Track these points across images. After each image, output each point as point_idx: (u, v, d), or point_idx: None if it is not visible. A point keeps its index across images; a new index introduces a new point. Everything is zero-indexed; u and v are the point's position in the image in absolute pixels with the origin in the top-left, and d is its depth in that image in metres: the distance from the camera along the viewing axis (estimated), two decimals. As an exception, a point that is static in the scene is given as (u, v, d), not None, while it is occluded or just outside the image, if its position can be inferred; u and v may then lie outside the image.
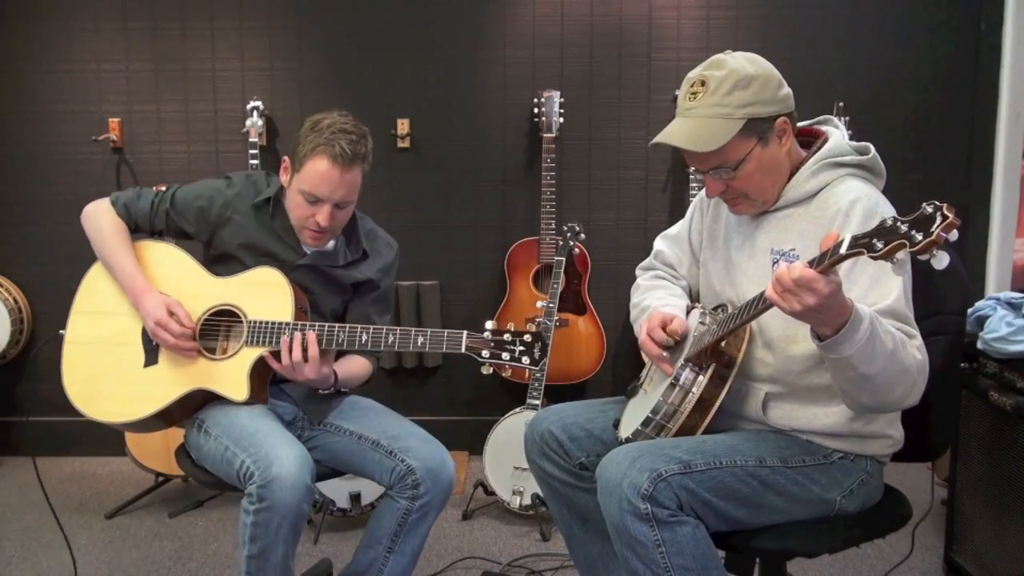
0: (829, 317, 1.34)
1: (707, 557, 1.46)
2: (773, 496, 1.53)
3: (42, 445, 2.96)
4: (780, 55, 3.26)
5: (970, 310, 2.22)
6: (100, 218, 2.00)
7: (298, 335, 1.81)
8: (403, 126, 3.33)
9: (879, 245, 1.19)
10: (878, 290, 1.47)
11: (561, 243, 2.99)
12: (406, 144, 3.34)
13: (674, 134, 1.57)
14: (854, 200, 1.52)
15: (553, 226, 3.08)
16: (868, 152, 1.62)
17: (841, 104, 3.17)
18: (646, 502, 1.42)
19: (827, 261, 1.27)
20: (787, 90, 1.60)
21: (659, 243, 1.95)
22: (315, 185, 1.84)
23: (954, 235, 1.14)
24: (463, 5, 3.30)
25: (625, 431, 1.67)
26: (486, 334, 1.77)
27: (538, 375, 2.81)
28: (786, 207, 1.63)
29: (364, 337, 1.82)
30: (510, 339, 1.77)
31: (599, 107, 3.33)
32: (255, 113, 3.09)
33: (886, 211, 1.52)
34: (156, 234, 2.03)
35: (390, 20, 3.31)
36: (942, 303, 1.68)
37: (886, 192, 1.63)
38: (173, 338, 1.86)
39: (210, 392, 1.87)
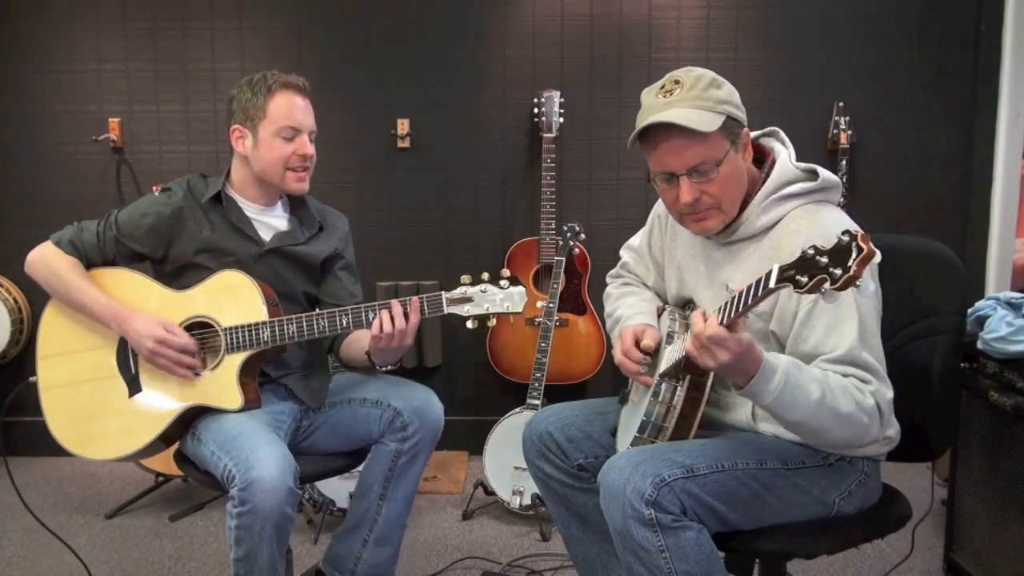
0: (743, 368, 1.38)
1: (710, 562, 1.45)
2: (773, 499, 1.53)
3: (41, 445, 2.96)
4: (780, 55, 3.30)
5: (970, 310, 2.22)
6: (50, 261, 1.93)
7: (398, 308, 1.77)
8: (403, 126, 3.33)
9: (804, 280, 1.20)
10: (834, 337, 1.46)
11: (561, 243, 2.98)
12: (406, 144, 3.34)
13: (667, 114, 1.47)
14: (806, 242, 1.50)
15: (553, 226, 3.08)
16: (816, 177, 1.57)
17: (841, 104, 3.17)
18: (650, 508, 1.42)
19: (762, 293, 1.26)
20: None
21: (624, 254, 1.95)
22: (290, 116, 1.92)
23: (877, 257, 1.15)
24: (463, 5, 3.30)
25: (621, 447, 1.68)
26: (464, 290, 1.77)
27: (537, 375, 2.81)
28: (739, 241, 1.61)
29: (345, 320, 1.81)
30: (486, 289, 1.77)
31: (599, 107, 3.33)
32: (255, 113, 3.09)
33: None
34: (109, 263, 1.97)
35: (390, 20, 3.31)
36: (942, 303, 1.68)
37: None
38: (176, 353, 1.83)
39: (204, 407, 1.86)
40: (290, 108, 1.92)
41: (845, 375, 1.45)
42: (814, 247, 1.20)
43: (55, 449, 1.93)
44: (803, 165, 1.60)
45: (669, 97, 1.51)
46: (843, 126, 3.14)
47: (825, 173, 1.59)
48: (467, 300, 1.76)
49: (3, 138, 3.39)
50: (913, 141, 3.29)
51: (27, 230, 3.35)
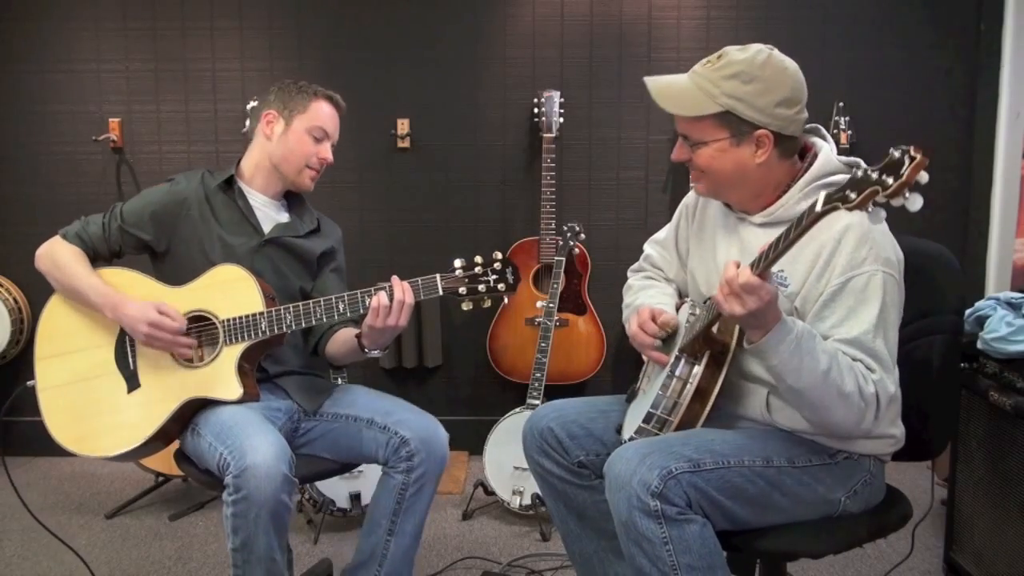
0: (763, 322, 1.41)
1: (713, 556, 1.46)
2: (780, 496, 1.53)
3: (41, 445, 2.97)
4: (780, 55, 3.28)
5: (969, 310, 2.22)
6: (55, 252, 1.97)
7: (398, 280, 1.80)
8: (403, 126, 3.33)
9: (853, 196, 1.22)
10: (852, 320, 1.48)
11: (561, 243, 2.98)
12: (406, 144, 3.34)
13: (659, 80, 1.62)
14: (846, 227, 1.51)
15: (553, 226, 3.08)
16: (859, 168, 1.60)
17: (841, 104, 3.17)
18: (656, 499, 1.43)
19: (805, 222, 1.30)
20: (790, 112, 1.55)
21: (648, 247, 1.97)
22: (325, 121, 2.05)
23: (924, 177, 1.16)
24: (463, 5, 3.30)
25: (628, 432, 1.68)
26: (458, 271, 1.80)
27: (537, 375, 2.81)
28: (776, 223, 1.61)
29: (341, 307, 1.83)
30: (482, 271, 1.80)
31: (599, 107, 3.34)
32: (255, 113, 3.10)
33: (879, 238, 1.52)
34: (115, 255, 2.01)
35: (390, 20, 3.31)
36: (939, 303, 1.69)
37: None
38: (171, 335, 1.84)
39: (203, 399, 1.86)
40: (329, 116, 2.06)
41: (854, 359, 1.47)
42: (864, 168, 1.22)
43: (55, 449, 1.92)
44: (845, 159, 1.62)
45: (703, 67, 1.58)
46: (843, 126, 3.14)
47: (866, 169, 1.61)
48: (460, 281, 1.79)
49: (3, 138, 3.39)
50: (913, 141, 3.26)
51: (27, 230, 3.35)
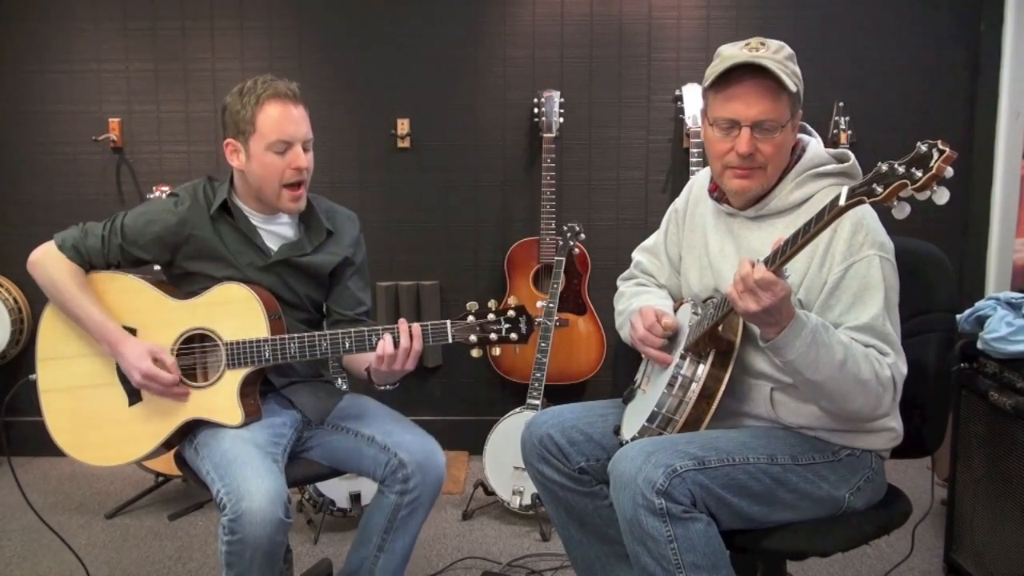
0: (778, 319, 1.40)
1: (717, 555, 1.46)
2: (785, 493, 1.54)
3: (41, 445, 2.97)
4: (780, 55, 3.27)
5: (969, 310, 2.23)
6: (50, 266, 1.89)
7: (405, 326, 1.75)
8: (403, 126, 3.33)
9: (879, 190, 1.22)
10: (858, 308, 1.50)
11: (561, 243, 2.98)
12: (406, 144, 3.34)
13: (762, 60, 1.52)
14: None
15: (553, 226, 3.08)
16: (848, 160, 1.63)
17: (841, 104, 3.17)
18: (660, 497, 1.43)
19: (827, 217, 1.30)
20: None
21: (637, 255, 1.97)
22: (282, 129, 1.83)
23: (949, 172, 1.17)
24: (463, 5, 3.30)
25: (628, 432, 1.67)
26: (469, 319, 1.75)
27: (537, 375, 2.81)
28: (769, 215, 1.63)
29: (347, 343, 1.80)
30: (494, 318, 1.75)
31: (599, 107, 3.33)
32: (255, 113, 3.09)
33: (872, 223, 1.54)
34: (111, 267, 1.94)
35: (390, 20, 3.31)
36: (932, 302, 1.71)
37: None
38: (164, 387, 1.82)
39: (204, 420, 1.85)
40: (281, 120, 1.83)
41: (867, 345, 1.49)
42: (887, 162, 1.22)
43: (54, 449, 1.92)
44: (833, 150, 1.65)
45: (756, 52, 1.55)
46: (843, 126, 3.14)
47: (855, 161, 1.64)
48: (471, 328, 1.75)
49: (3, 138, 3.39)
50: (913, 141, 3.24)
51: (27, 230, 3.35)
